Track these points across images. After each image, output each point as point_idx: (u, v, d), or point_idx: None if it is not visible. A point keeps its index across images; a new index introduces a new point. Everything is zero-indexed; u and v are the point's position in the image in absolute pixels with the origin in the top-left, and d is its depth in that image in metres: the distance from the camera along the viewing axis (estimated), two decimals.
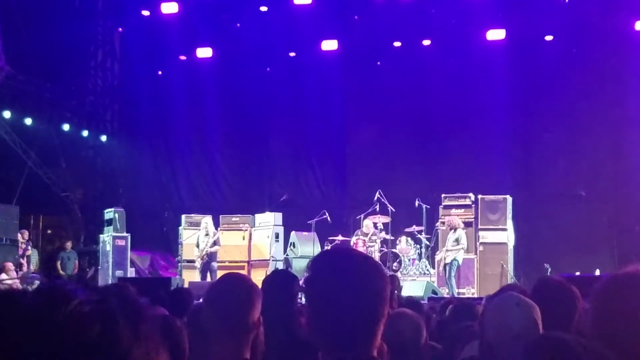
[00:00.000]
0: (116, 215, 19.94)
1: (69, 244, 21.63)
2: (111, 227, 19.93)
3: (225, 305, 3.00)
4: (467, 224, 18.02)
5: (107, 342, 1.52)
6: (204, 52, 22.14)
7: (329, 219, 18.49)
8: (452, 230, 16.72)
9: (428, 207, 18.45)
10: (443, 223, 17.59)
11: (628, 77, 19.56)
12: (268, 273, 7.93)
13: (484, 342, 3.50)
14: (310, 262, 2.31)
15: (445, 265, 16.66)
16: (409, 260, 18.18)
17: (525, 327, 3.28)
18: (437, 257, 17.15)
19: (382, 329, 2.20)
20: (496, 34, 20.10)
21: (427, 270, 17.96)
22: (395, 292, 6.13)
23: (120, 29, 24.27)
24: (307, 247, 18.86)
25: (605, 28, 19.47)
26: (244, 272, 18.39)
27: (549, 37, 20.12)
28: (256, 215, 20.21)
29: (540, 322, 3.38)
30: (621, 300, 2.66)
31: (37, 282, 19.25)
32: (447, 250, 16.66)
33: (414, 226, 18.35)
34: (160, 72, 23.58)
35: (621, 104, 20.00)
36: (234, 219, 20.12)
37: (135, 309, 1.63)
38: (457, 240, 16.57)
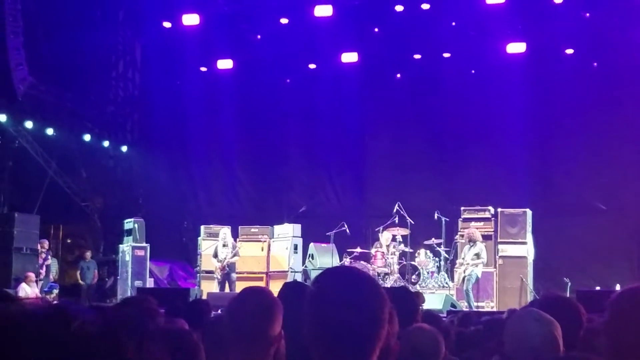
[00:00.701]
0: (136, 225, 20.01)
1: (88, 254, 21.73)
2: (130, 237, 20.01)
3: (246, 318, 3.00)
4: (487, 237, 17.94)
5: None
6: (224, 64, 22.24)
7: (347, 230, 18.47)
8: (471, 244, 16.64)
9: (447, 219, 18.40)
10: (462, 236, 17.52)
11: None
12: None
13: (504, 355, 3.50)
14: (315, 278, 2.34)
15: (463, 278, 16.59)
16: (428, 273, 18.12)
17: (544, 343, 3.27)
18: (458, 271, 17.06)
19: (379, 351, 2.22)
20: (517, 47, 20.07)
21: (446, 283, 17.89)
22: (420, 307, 6.10)
23: (141, 40, 24.41)
24: (325, 259, 18.84)
25: (625, 41, 19.40)
26: (262, 283, 18.41)
27: (569, 51, 20.08)
28: (275, 226, 20.21)
29: (560, 339, 3.37)
30: (634, 314, 2.66)
31: (55, 291, 19.38)
32: (466, 264, 16.58)
33: (433, 239, 18.30)
34: (179, 83, 23.68)
35: None
36: (252, 230, 20.14)
37: (140, 328, 1.64)
38: (477, 254, 16.48)
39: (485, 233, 17.96)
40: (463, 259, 16.64)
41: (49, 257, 20.20)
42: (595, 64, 20.18)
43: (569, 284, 17.30)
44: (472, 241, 16.62)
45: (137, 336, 1.62)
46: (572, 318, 3.91)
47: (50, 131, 22.24)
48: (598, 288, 16.07)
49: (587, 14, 19.56)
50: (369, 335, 2.18)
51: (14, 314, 1.56)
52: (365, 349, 2.18)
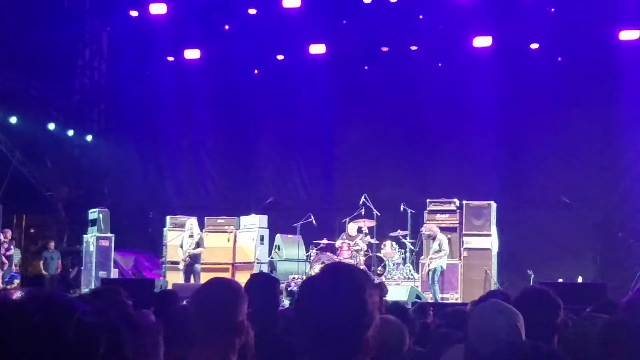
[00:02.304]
0: (100, 215, 19.86)
1: (52, 244, 21.54)
2: (95, 227, 19.85)
3: (212, 308, 3.02)
4: (452, 229, 18.09)
5: (114, 356, 1.52)
6: (192, 54, 22.12)
7: (314, 222, 18.49)
8: (432, 239, 16.82)
9: (413, 211, 18.50)
10: (423, 234, 17.65)
11: (613, 86, 19.70)
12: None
13: (469, 347, 3.55)
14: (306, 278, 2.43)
15: (429, 271, 16.74)
16: (394, 264, 18.20)
17: (508, 334, 3.32)
18: (425, 264, 17.19)
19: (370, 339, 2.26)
20: (483, 41, 20.19)
21: (412, 274, 18.00)
22: (384, 298, 6.16)
23: (108, 29, 24.21)
24: (292, 250, 18.86)
25: (590, 37, 19.61)
26: (228, 274, 18.39)
27: (534, 45, 20.25)
28: (241, 217, 20.18)
29: (523, 330, 3.42)
30: None
31: (16, 281, 19.20)
32: (430, 258, 16.75)
33: (399, 230, 18.38)
34: (147, 73, 23.52)
35: (606, 111, 20.18)
36: (219, 220, 20.09)
37: (133, 320, 1.64)
38: (439, 246, 16.64)
39: (451, 225, 18.12)
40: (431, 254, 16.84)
41: (12, 247, 20.01)
42: (560, 58, 20.37)
43: (532, 276, 17.50)
44: (432, 237, 16.78)
45: (132, 327, 1.62)
46: (550, 312, 3.98)
47: (14, 119, 21.97)
48: (561, 280, 16.24)
49: (552, 9, 19.74)
50: (356, 324, 2.22)
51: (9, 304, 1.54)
52: (353, 339, 2.22)
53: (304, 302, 2.30)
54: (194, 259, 18.02)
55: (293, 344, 2.33)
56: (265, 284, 4.46)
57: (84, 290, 17.87)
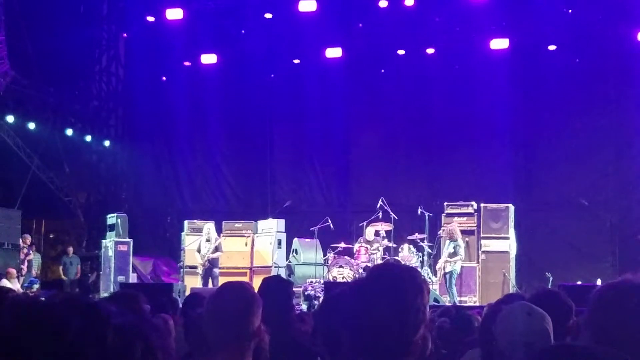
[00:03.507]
0: (119, 220, 19.93)
1: (70, 249, 21.65)
2: (114, 232, 19.93)
3: (227, 313, 3.02)
4: (470, 232, 18.04)
5: None
6: (209, 59, 22.18)
7: (331, 226, 18.48)
8: (451, 240, 16.74)
9: (430, 214, 18.45)
10: (443, 231, 17.61)
11: (630, 87, 19.60)
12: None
13: (489, 350, 3.53)
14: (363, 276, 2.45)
15: (444, 274, 16.70)
16: None
17: (537, 336, 3.30)
18: (438, 267, 17.14)
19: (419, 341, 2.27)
20: (500, 43, 20.13)
21: (429, 278, 17.91)
22: None
23: (124, 34, 24.31)
24: (309, 254, 18.87)
25: (607, 38, 19.51)
26: (246, 278, 18.40)
27: (552, 47, 20.15)
28: (259, 221, 20.21)
29: (551, 332, 3.40)
30: (615, 308, 2.69)
31: (36, 286, 19.28)
32: (445, 261, 16.70)
33: (417, 234, 18.33)
34: (164, 78, 23.61)
35: (623, 113, 20.07)
36: (236, 225, 20.12)
37: (153, 324, 1.64)
38: (454, 250, 16.58)
39: (468, 228, 18.06)
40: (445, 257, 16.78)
41: (31, 252, 20.11)
42: (577, 60, 20.27)
43: (551, 278, 17.39)
44: (451, 239, 16.71)
45: (157, 332, 1.62)
46: (562, 314, 3.96)
47: (32, 126, 22.09)
48: (580, 283, 16.14)
49: (570, 10, 19.65)
50: (407, 327, 2.22)
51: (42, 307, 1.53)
52: (402, 341, 2.22)
53: (358, 302, 2.30)
54: (213, 263, 18.05)
55: (314, 347, 2.34)
56: (278, 287, 4.46)
57: (103, 295, 17.93)
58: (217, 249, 18.10)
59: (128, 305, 4.36)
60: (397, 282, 2.28)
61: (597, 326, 2.73)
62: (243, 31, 21.99)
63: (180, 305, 11.30)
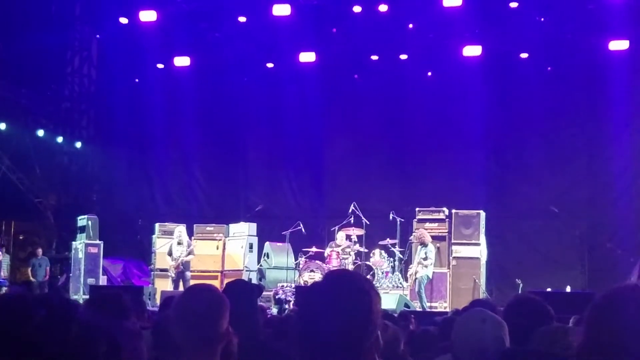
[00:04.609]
0: (89, 222, 19.82)
1: (39, 250, 21.48)
2: (84, 234, 19.81)
3: (195, 315, 3.01)
4: (441, 238, 18.11)
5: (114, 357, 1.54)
6: (182, 61, 22.11)
7: (303, 230, 18.50)
8: (422, 245, 16.78)
9: (402, 220, 18.51)
10: (414, 237, 17.66)
11: (601, 96, 19.79)
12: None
13: (456, 356, 3.55)
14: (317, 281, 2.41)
15: (415, 279, 16.73)
16: (382, 273, 18.20)
17: (490, 343, 3.33)
18: (409, 273, 17.18)
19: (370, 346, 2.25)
20: (472, 50, 20.23)
21: (400, 283, 17.99)
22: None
23: (97, 36, 24.17)
24: (281, 258, 18.87)
25: (579, 47, 19.68)
26: (217, 282, 18.38)
27: (524, 55, 20.29)
28: (230, 225, 20.19)
29: (507, 339, 3.43)
30: (613, 316, 2.70)
31: (4, 289, 19.11)
32: (418, 264, 16.72)
33: (388, 239, 18.39)
34: (137, 80, 23.50)
35: (595, 121, 20.25)
36: (208, 228, 20.08)
37: (126, 327, 1.65)
38: (426, 255, 16.61)
39: (439, 234, 18.14)
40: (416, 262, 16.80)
41: (0, 253, 19.92)
42: (549, 68, 20.44)
43: (521, 285, 17.52)
44: (422, 243, 16.75)
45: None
46: (541, 321, 3.98)
47: (3, 126, 21.90)
48: (549, 290, 16.26)
49: (542, 19, 19.79)
50: (358, 333, 2.21)
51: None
52: (355, 346, 2.21)
53: (307, 308, 2.29)
54: (185, 266, 18.00)
55: (288, 350, 2.33)
56: (242, 290, 4.45)
57: (73, 297, 17.81)
58: (190, 252, 18.05)
59: (112, 307, 4.33)
60: (354, 289, 2.27)
61: (593, 333, 2.74)
62: (217, 34, 21.92)
63: (150, 308, 11.25)
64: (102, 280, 19.77)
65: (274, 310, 15.14)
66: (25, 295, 1.62)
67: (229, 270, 19.54)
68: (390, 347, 4.20)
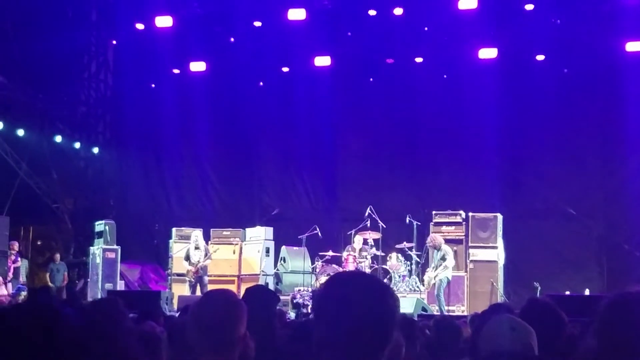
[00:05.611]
0: (106, 227, 19.89)
1: (57, 256, 21.54)
2: (101, 239, 19.88)
3: (212, 320, 3.01)
4: (458, 242, 18.06)
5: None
6: (197, 66, 22.18)
7: (319, 234, 18.48)
8: (437, 249, 16.71)
9: (419, 223, 18.46)
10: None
11: (618, 97, 19.66)
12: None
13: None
14: (324, 282, 2.38)
15: (434, 283, 16.66)
16: (399, 276, 18.15)
17: (521, 351, 3.29)
18: (425, 277, 17.12)
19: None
20: (488, 53, 20.18)
21: (417, 287, 17.93)
22: None
23: (114, 41, 24.27)
24: (297, 262, 18.85)
25: (596, 48, 19.58)
26: (234, 286, 18.39)
27: (540, 57, 20.20)
28: (247, 229, 20.20)
29: (536, 347, 3.38)
30: (625, 318, 2.68)
31: (23, 293, 19.21)
32: (435, 269, 16.64)
33: (405, 242, 18.34)
34: (153, 85, 23.59)
35: (611, 122, 20.12)
36: (224, 232, 20.10)
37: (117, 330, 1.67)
38: (442, 258, 16.54)
39: (456, 237, 18.10)
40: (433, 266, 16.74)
41: (19, 258, 20.01)
42: (565, 70, 20.34)
43: (539, 288, 17.42)
44: (436, 247, 16.68)
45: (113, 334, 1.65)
46: (554, 326, 3.95)
47: (20, 132, 22.04)
48: (568, 292, 16.18)
49: (558, 21, 19.71)
50: (377, 338, 2.20)
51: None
52: (375, 351, 2.21)
53: (325, 311, 2.27)
54: (203, 271, 18.03)
55: (306, 355, 2.32)
56: (261, 296, 4.46)
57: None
58: (209, 257, 18.11)
59: (108, 311, 4.34)
60: (374, 293, 2.26)
61: (605, 335, 2.72)
62: (232, 39, 21.97)
63: (168, 313, 11.28)
64: (120, 285, 19.82)
65: (292, 315, 15.13)
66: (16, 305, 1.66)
67: (245, 275, 19.55)
68: (391, 354, 4.18)
